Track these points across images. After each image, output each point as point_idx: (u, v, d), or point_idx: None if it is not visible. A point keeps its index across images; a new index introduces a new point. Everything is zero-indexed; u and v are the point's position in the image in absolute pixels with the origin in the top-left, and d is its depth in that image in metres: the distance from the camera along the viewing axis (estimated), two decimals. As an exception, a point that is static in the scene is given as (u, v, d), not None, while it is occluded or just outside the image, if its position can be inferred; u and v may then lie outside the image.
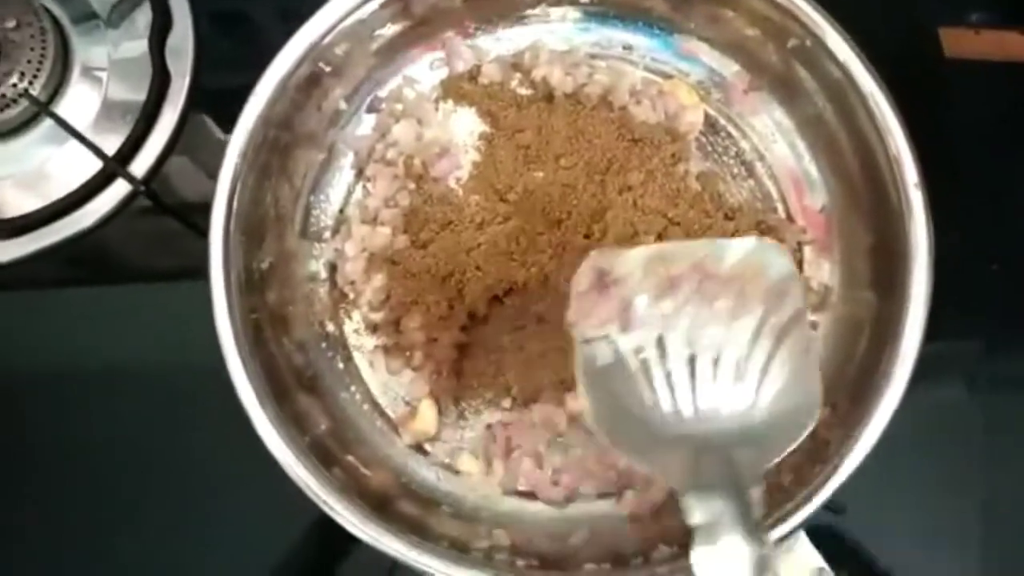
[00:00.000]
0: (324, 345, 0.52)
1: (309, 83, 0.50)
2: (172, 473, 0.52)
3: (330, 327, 0.52)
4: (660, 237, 0.51)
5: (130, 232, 0.57)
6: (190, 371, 0.53)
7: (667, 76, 0.55)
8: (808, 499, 0.43)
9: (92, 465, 0.53)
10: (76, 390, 0.54)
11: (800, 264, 0.52)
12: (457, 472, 0.50)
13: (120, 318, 0.56)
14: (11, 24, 0.56)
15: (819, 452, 0.46)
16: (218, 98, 0.58)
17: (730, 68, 0.55)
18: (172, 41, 0.58)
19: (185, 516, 0.52)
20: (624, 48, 0.56)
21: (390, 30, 0.53)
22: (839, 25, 0.48)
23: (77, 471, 0.53)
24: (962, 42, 0.59)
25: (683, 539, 0.45)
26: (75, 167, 0.56)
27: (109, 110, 0.57)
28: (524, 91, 0.55)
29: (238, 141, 0.48)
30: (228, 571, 0.51)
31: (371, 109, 0.55)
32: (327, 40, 0.50)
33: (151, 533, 0.51)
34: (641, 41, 0.56)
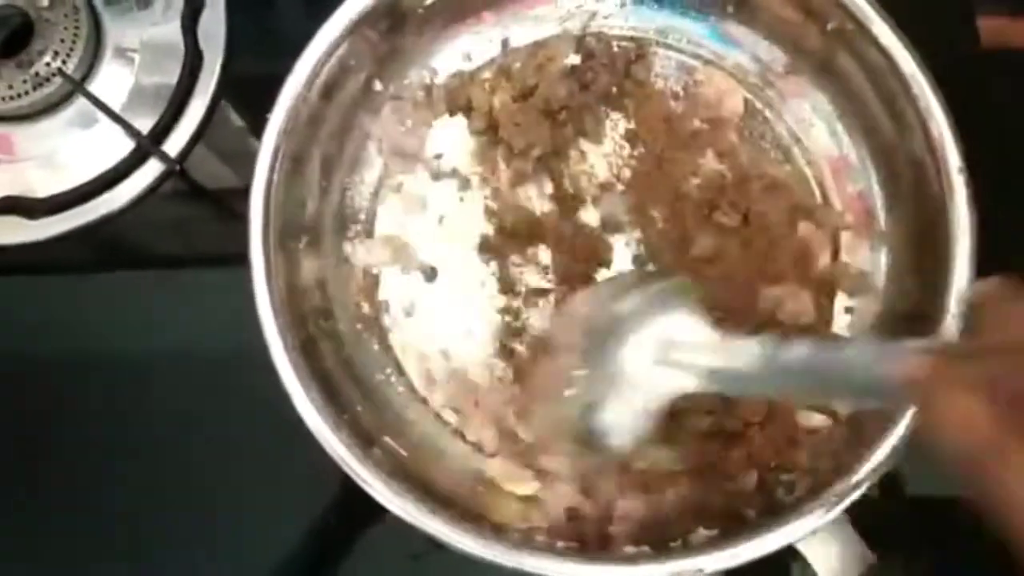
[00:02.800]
0: (360, 326, 0.52)
1: (346, 64, 0.50)
2: (206, 452, 0.52)
3: (365, 308, 0.52)
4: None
5: (161, 215, 0.57)
6: (219, 352, 0.53)
7: (704, 60, 0.55)
8: (848, 484, 0.43)
9: (128, 446, 0.52)
10: (109, 371, 0.54)
11: (837, 250, 0.52)
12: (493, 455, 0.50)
13: (151, 300, 0.56)
14: (44, 3, 0.56)
15: (856, 435, 0.46)
16: (237, 85, 0.57)
17: (769, 51, 0.54)
18: (204, 23, 0.58)
19: (212, 498, 0.51)
20: (660, 31, 0.55)
21: (427, 11, 0.53)
22: (881, 8, 0.48)
23: (112, 452, 0.52)
24: (999, 31, 0.59)
25: (722, 523, 0.46)
26: (103, 150, 0.56)
27: (140, 92, 0.57)
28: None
29: (276, 121, 0.47)
30: (253, 550, 0.51)
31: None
32: (366, 19, 0.49)
33: (181, 511, 0.51)
34: (678, 24, 0.55)
